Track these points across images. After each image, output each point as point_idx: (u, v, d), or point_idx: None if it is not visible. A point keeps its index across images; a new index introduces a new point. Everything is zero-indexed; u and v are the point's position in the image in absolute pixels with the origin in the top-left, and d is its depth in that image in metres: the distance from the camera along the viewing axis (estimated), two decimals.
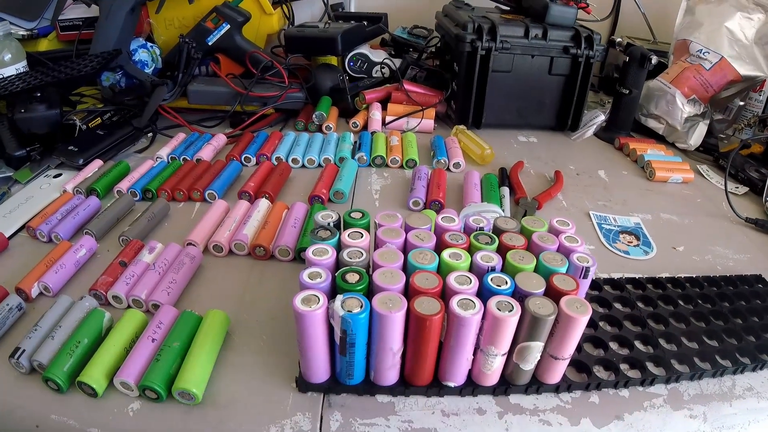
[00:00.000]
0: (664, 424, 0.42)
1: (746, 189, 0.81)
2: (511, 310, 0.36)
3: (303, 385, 0.41)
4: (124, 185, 0.68)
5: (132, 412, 0.40)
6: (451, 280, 0.38)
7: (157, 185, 0.68)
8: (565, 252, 0.43)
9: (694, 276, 0.58)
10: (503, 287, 0.38)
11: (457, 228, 0.45)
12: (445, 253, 0.40)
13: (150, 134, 0.85)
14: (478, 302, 0.36)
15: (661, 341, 0.49)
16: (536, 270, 0.41)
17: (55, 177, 0.72)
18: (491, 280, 0.39)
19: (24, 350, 0.42)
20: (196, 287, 0.53)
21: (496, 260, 0.40)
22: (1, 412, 0.40)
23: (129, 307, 0.49)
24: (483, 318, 0.37)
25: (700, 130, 0.92)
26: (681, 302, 0.54)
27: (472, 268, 0.41)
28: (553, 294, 0.38)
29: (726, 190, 0.75)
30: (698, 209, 0.74)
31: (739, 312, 0.53)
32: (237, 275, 0.55)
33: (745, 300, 0.55)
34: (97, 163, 0.73)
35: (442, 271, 0.40)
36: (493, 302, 0.37)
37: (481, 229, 0.45)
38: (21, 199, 0.66)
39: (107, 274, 0.51)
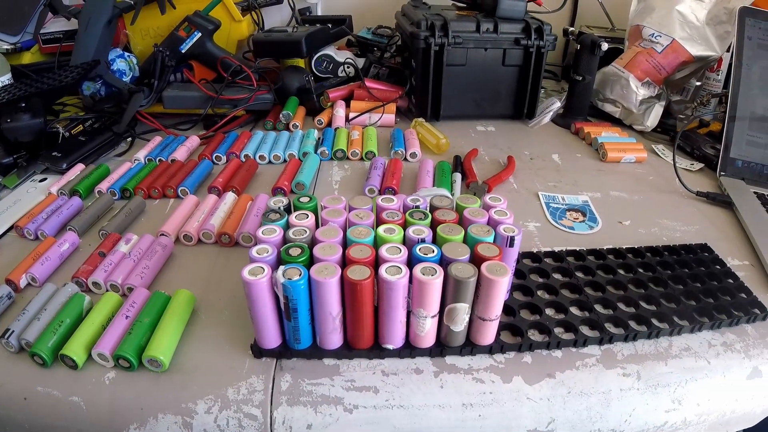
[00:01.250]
0: (596, 382, 0.45)
1: (701, 165, 0.84)
2: (434, 274, 0.41)
3: (257, 351, 0.46)
4: (104, 186, 0.73)
5: (108, 380, 0.44)
6: (383, 251, 0.43)
7: (134, 184, 0.73)
8: (493, 224, 0.47)
9: (636, 247, 0.60)
10: (430, 255, 0.42)
11: (395, 207, 0.49)
12: (381, 228, 0.45)
13: (129, 139, 0.90)
14: (404, 268, 0.41)
15: (597, 306, 0.51)
16: (465, 241, 0.45)
17: (40, 181, 0.77)
18: (419, 249, 0.43)
19: (13, 331, 0.47)
20: (168, 273, 0.58)
21: (426, 233, 0.45)
22: None
23: (107, 291, 0.54)
24: (411, 283, 0.42)
25: (656, 112, 0.95)
26: (621, 271, 0.57)
27: (405, 241, 0.45)
28: (477, 260, 0.43)
29: (674, 164, 0.78)
30: (650, 186, 0.77)
31: (681, 278, 0.56)
32: (204, 261, 0.60)
33: (688, 267, 0.58)
34: (79, 167, 0.78)
35: (377, 244, 0.45)
36: (418, 268, 0.41)
37: (417, 207, 0.50)
38: (9, 203, 0.71)
39: (87, 264, 0.56)
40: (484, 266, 0.42)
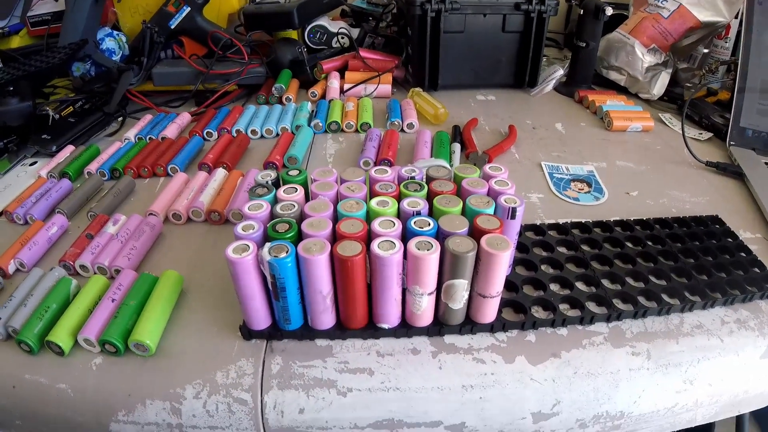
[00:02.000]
0: (604, 361, 0.42)
1: (710, 135, 0.81)
2: (430, 249, 0.38)
3: (246, 333, 0.44)
4: (93, 167, 0.71)
5: (95, 366, 0.43)
6: (376, 224, 0.40)
7: (123, 164, 0.71)
8: (493, 195, 0.45)
9: (644, 218, 0.58)
10: (426, 229, 0.40)
11: (389, 179, 0.47)
12: (373, 201, 0.43)
13: (120, 118, 0.87)
14: (398, 243, 0.39)
15: (604, 281, 0.49)
16: (463, 213, 0.43)
17: (31, 165, 0.75)
18: (414, 223, 0.41)
19: (0, 318, 0.45)
20: (156, 253, 0.56)
21: (422, 205, 0.43)
22: None
23: (95, 274, 0.52)
24: (405, 258, 0.39)
25: (663, 80, 0.93)
26: (629, 244, 0.54)
27: (400, 214, 0.43)
28: (476, 233, 0.40)
29: (683, 133, 0.75)
30: (657, 156, 0.75)
31: (691, 252, 0.53)
32: (194, 240, 0.58)
33: (699, 240, 0.55)
34: (69, 149, 0.76)
35: (370, 218, 0.42)
36: (413, 242, 0.39)
37: (413, 178, 0.47)
38: (0, 188, 0.69)
39: (75, 247, 0.54)
40: (483, 240, 0.40)
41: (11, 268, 0.54)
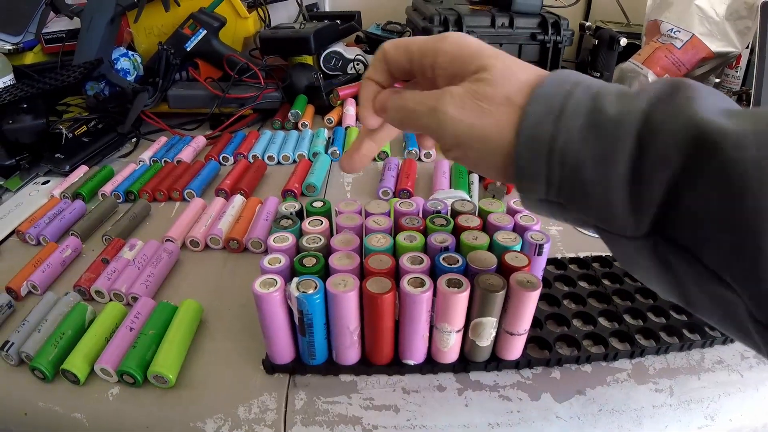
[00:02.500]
0: (628, 398, 0.42)
1: None
2: (460, 287, 0.38)
3: (269, 366, 0.43)
4: (108, 188, 0.71)
5: (112, 396, 0.42)
6: (404, 260, 0.40)
7: (138, 187, 0.70)
8: (520, 231, 0.45)
9: None
10: (454, 265, 0.40)
11: (414, 212, 0.46)
12: (400, 236, 0.42)
13: (134, 139, 0.87)
14: (428, 280, 0.38)
15: (626, 317, 0.49)
16: (490, 249, 0.42)
17: (43, 184, 0.74)
18: (443, 259, 0.40)
19: (13, 343, 0.44)
20: (174, 280, 0.55)
21: (449, 240, 0.42)
22: None
23: (111, 300, 0.52)
24: (434, 295, 0.39)
25: None
26: None
27: (427, 249, 0.42)
28: (505, 271, 0.40)
29: None
30: None
31: None
32: (212, 268, 0.57)
33: None
34: (83, 169, 0.76)
35: (397, 253, 0.42)
36: (443, 280, 0.38)
37: (438, 212, 0.47)
38: (11, 206, 0.68)
39: (90, 271, 0.53)
40: (513, 277, 0.39)
41: (23, 291, 0.53)
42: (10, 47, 0.98)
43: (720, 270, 0.24)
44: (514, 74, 0.29)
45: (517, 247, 0.42)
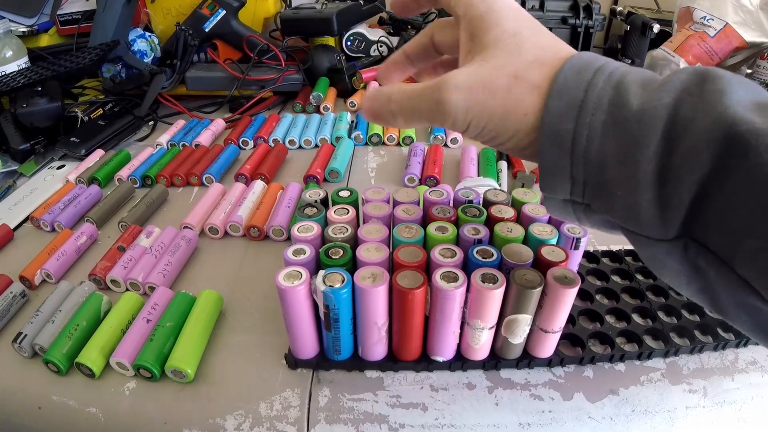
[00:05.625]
0: (662, 399, 0.41)
1: None
2: (495, 282, 0.36)
3: (292, 361, 0.41)
4: (124, 173, 0.69)
5: (128, 390, 0.40)
6: (436, 253, 0.38)
7: (156, 171, 0.69)
8: (555, 223, 0.42)
9: None
10: (489, 259, 0.37)
11: (445, 201, 0.44)
12: (431, 227, 0.40)
13: (151, 122, 0.86)
14: (461, 275, 0.36)
15: (660, 314, 0.47)
16: (525, 242, 0.40)
17: (58, 168, 0.73)
18: (476, 252, 0.38)
19: (26, 335, 0.43)
20: (192, 269, 0.54)
21: (483, 233, 0.40)
22: (5, 395, 0.41)
23: (127, 290, 0.50)
24: (467, 291, 0.37)
25: None
26: None
27: (459, 241, 0.40)
28: (541, 265, 0.38)
29: None
30: None
31: None
32: (232, 256, 0.55)
33: None
34: (98, 153, 0.74)
35: (428, 244, 0.40)
36: (477, 275, 0.36)
37: (470, 201, 0.44)
38: (26, 192, 0.67)
39: (106, 260, 0.52)
40: (550, 273, 0.37)
41: (37, 279, 0.52)
42: (25, 29, 0.97)
43: (752, 279, 0.22)
44: (528, 50, 0.27)
45: (554, 241, 0.40)
